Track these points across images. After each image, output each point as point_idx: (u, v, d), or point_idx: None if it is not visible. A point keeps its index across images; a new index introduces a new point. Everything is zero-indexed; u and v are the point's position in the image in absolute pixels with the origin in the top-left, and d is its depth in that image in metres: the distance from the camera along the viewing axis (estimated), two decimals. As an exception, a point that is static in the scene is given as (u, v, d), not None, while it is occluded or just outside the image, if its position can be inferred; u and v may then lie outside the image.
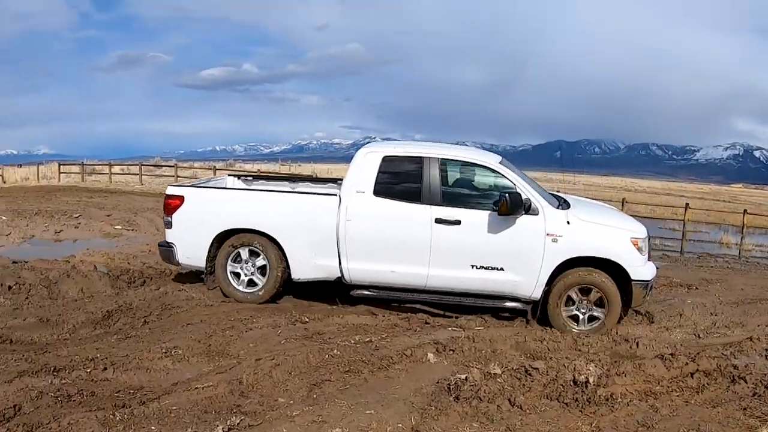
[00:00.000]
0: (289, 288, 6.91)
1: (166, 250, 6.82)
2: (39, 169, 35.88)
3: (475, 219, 6.14)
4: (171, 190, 6.86)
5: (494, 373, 4.53)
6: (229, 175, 8.57)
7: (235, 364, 4.66)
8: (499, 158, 6.67)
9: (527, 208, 6.02)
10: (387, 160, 6.40)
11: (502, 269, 6.14)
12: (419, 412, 3.97)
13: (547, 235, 6.04)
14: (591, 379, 4.35)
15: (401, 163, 6.42)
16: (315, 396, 4.20)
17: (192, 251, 6.70)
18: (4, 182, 32.02)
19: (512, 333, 5.73)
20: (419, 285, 6.35)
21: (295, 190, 7.57)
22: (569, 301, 6.17)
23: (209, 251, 6.62)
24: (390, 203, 6.29)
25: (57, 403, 3.91)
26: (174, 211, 6.72)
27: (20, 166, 41.38)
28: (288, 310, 6.36)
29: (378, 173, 6.34)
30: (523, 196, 6.01)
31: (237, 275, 6.67)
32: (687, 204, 18.87)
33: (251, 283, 6.67)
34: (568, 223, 6.08)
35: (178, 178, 28.18)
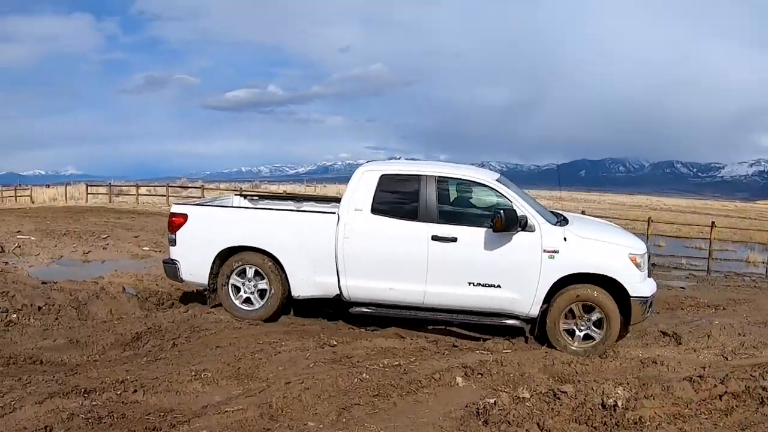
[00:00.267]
0: (316, 311, 6.94)
1: (171, 266, 6.92)
2: (67, 189, 36.63)
3: (472, 236, 6.14)
4: (175, 208, 6.99)
5: (523, 397, 4.48)
6: (235, 194, 8.69)
7: (264, 388, 4.67)
8: (497, 175, 6.67)
9: (523, 225, 6.00)
10: (384, 178, 6.44)
11: (499, 286, 6.11)
12: (450, 437, 3.94)
13: (544, 251, 6.01)
14: (620, 403, 4.30)
15: (398, 182, 6.46)
16: (344, 420, 4.19)
17: (195, 268, 6.78)
18: (33, 202, 32.72)
19: (540, 356, 5.67)
20: (417, 302, 6.35)
21: (300, 209, 7.60)
22: (570, 314, 6.08)
23: (212, 268, 6.69)
24: (387, 221, 6.32)
25: (88, 425, 3.93)
26: (178, 229, 6.81)
27: (48, 186, 42.31)
28: (316, 332, 6.37)
29: (376, 191, 6.39)
30: (519, 213, 5.99)
31: (237, 289, 6.71)
32: (713, 222, 18.58)
33: (249, 300, 6.70)
34: (565, 239, 6.04)
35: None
